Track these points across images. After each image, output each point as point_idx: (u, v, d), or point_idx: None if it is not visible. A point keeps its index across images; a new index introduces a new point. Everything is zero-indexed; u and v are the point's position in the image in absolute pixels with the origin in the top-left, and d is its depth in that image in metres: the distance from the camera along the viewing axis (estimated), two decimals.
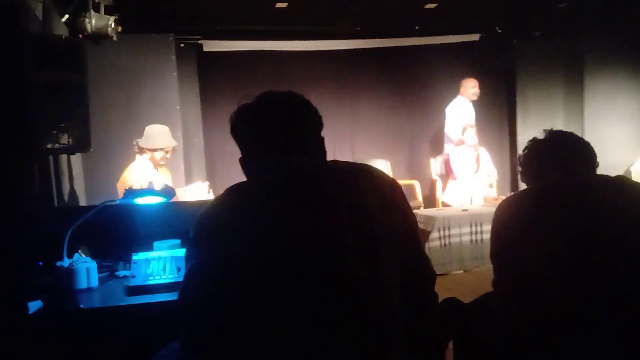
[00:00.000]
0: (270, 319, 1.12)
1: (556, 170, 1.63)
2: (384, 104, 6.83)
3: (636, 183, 1.62)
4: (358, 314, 1.15)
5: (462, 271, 4.50)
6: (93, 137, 3.09)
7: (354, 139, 6.82)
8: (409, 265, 1.26)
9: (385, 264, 1.19)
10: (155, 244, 1.93)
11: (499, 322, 1.59)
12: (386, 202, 1.24)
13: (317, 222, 1.17)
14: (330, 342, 1.11)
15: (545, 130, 1.79)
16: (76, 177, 4.08)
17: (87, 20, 4.25)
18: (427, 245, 4.43)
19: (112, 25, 4.31)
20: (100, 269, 1.83)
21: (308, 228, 1.16)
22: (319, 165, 1.27)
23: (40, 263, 1.93)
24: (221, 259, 1.15)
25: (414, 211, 4.85)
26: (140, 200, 1.83)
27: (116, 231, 1.97)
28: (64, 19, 4.21)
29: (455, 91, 6.96)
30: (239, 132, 1.30)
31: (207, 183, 4.32)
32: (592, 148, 1.70)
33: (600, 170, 4.72)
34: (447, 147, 5.96)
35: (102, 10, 4.32)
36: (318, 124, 1.32)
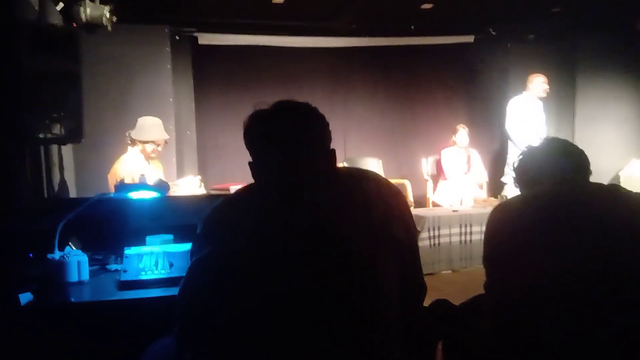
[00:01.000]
0: (269, 319, 1.13)
1: (551, 178, 1.64)
2: (377, 102, 6.86)
3: (630, 192, 1.64)
4: (358, 317, 1.16)
5: (450, 271, 4.53)
6: (85, 127, 3.07)
7: (346, 136, 6.82)
8: (406, 273, 1.27)
9: (386, 270, 1.20)
10: (148, 238, 1.92)
11: (491, 326, 1.61)
12: (391, 210, 1.26)
13: (321, 226, 1.19)
14: (329, 344, 1.13)
15: (541, 137, 1.81)
16: (67, 167, 4.05)
17: (81, 9, 4.22)
18: None
19: (107, 15, 4.28)
20: (92, 262, 1.82)
21: (312, 232, 1.17)
22: (326, 171, 1.29)
23: (31, 255, 1.92)
24: (224, 256, 1.17)
25: None
26: (133, 195, 1.83)
27: (108, 224, 1.96)
28: (58, 8, 4.17)
29: (448, 91, 7.00)
30: (251, 136, 1.31)
31: (199, 177, 4.32)
32: (586, 156, 1.72)
33: (591, 177, 4.74)
34: (510, 146, 5.65)
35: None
36: (328, 136, 1.34)
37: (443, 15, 6.34)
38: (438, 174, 5.83)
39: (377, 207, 1.24)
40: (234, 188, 3.82)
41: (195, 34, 6.09)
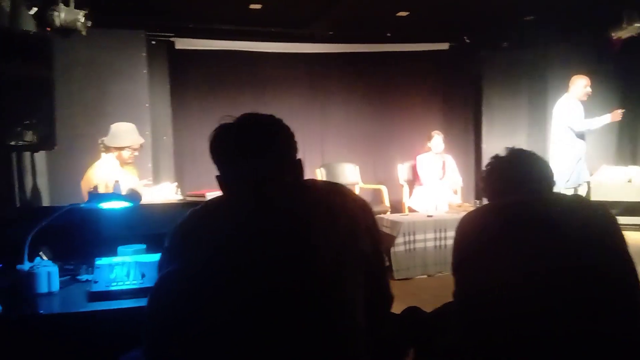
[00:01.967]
0: (236, 332, 1.15)
1: (516, 189, 1.68)
2: (354, 108, 6.91)
3: (591, 202, 1.69)
4: (324, 329, 1.18)
5: (425, 276, 4.57)
6: (58, 134, 3.03)
7: (323, 142, 6.86)
8: (372, 285, 1.29)
9: (352, 281, 1.23)
10: (120, 248, 1.92)
11: (459, 334, 1.64)
12: (356, 223, 1.29)
13: (288, 239, 1.20)
14: (297, 353, 1.15)
15: (506, 147, 1.85)
16: (39, 174, 4.00)
17: (55, 14, 4.17)
18: (392, 249, 4.50)
19: (82, 20, 4.24)
20: (62, 272, 1.81)
21: (279, 245, 1.19)
22: (293, 184, 1.31)
23: (0, 265, 1.90)
24: (192, 270, 1.18)
25: (381, 216, 4.93)
26: (105, 205, 1.82)
27: (79, 234, 1.95)
28: (32, 12, 4.12)
29: (423, 97, 7.08)
30: (217, 149, 1.32)
31: (175, 184, 4.29)
32: (550, 167, 1.76)
33: (559, 182, 4.87)
34: (552, 148, 5.60)
35: (72, 4, 4.25)
36: (294, 147, 1.36)
37: (418, 23, 6.44)
38: (414, 179, 5.90)
39: (343, 220, 1.26)
40: (209, 195, 3.81)
41: (172, 39, 6.07)
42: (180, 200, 4.01)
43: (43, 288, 1.67)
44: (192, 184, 5.93)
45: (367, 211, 1.35)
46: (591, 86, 6.38)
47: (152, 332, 1.20)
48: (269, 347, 1.14)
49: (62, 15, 4.19)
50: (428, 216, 4.78)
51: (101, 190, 3.55)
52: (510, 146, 1.87)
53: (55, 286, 1.70)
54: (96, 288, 1.64)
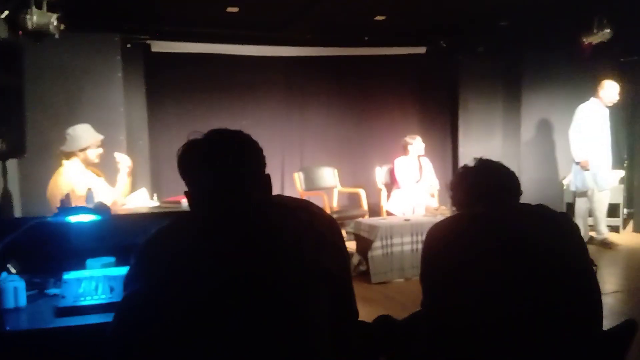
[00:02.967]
0: (202, 353, 1.15)
1: (483, 198, 1.71)
2: (332, 111, 6.92)
3: (554, 212, 1.73)
4: (290, 346, 1.19)
5: (402, 279, 4.62)
6: (30, 140, 2.98)
7: (302, 145, 6.86)
8: (338, 302, 1.31)
9: (316, 299, 1.24)
10: (88, 261, 1.90)
11: (427, 344, 1.67)
12: (323, 240, 1.30)
13: (254, 257, 1.21)
14: None
15: (475, 157, 1.88)
16: (10, 181, 3.93)
17: (27, 17, 4.10)
18: (369, 253, 4.53)
19: (55, 23, 4.18)
20: (30, 286, 1.78)
21: (245, 263, 1.19)
22: (261, 201, 1.31)
23: None
24: (156, 291, 1.18)
25: (358, 220, 4.96)
26: (74, 219, 1.80)
27: (47, 247, 1.92)
28: (3, 16, 4.05)
29: (401, 100, 7.12)
30: (185, 166, 1.32)
31: (144, 189, 4.26)
32: (516, 178, 1.80)
33: (535, 183, 5.02)
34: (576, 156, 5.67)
35: (45, 7, 4.18)
36: (263, 162, 1.36)
37: (396, 27, 6.48)
38: (391, 182, 5.94)
39: (309, 238, 1.27)
40: (185, 201, 3.79)
41: (148, 42, 6.01)
42: (156, 206, 3.99)
43: (9, 303, 1.65)
44: (168, 188, 5.88)
45: (334, 229, 1.36)
46: (562, 88, 6.54)
47: (116, 353, 1.20)
48: None
49: (34, 18, 4.12)
50: (405, 220, 4.82)
51: (72, 196, 3.51)
52: (479, 156, 1.90)
53: (23, 301, 1.68)
54: (64, 303, 1.62)
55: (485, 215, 1.67)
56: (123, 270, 1.81)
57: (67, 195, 3.34)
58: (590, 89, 6.34)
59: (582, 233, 5.68)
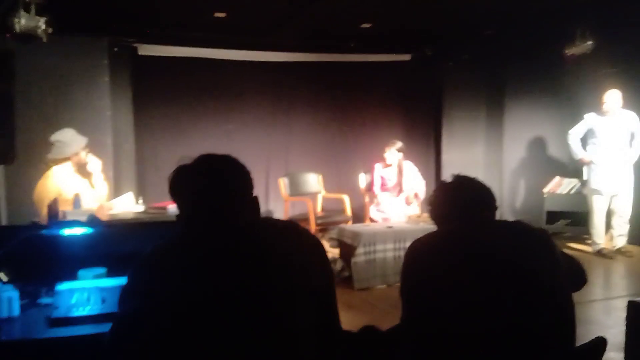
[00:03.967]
0: None
1: (460, 215, 1.79)
2: (318, 117, 6.99)
3: (530, 228, 1.81)
4: (280, 357, 1.26)
5: (385, 286, 4.68)
6: (16, 143, 3.00)
7: (287, 151, 6.92)
8: (322, 318, 1.38)
9: (302, 318, 1.31)
10: (80, 272, 1.94)
11: (410, 355, 1.73)
12: (309, 261, 1.37)
13: (244, 278, 1.27)
14: None
15: (452, 174, 1.95)
16: None
17: (15, 20, 4.10)
18: (352, 260, 4.60)
19: (43, 27, 4.19)
20: (21, 294, 1.81)
21: (236, 283, 1.26)
22: (250, 224, 1.38)
23: None
24: (153, 308, 1.23)
25: (342, 226, 5.02)
26: (66, 231, 1.84)
27: (39, 257, 1.96)
28: None
29: (386, 107, 7.21)
30: (177, 191, 1.39)
31: (131, 193, 4.31)
32: (492, 193, 1.87)
33: (517, 191, 5.14)
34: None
35: (33, 10, 4.19)
36: (250, 185, 1.43)
37: (381, 35, 6.58)
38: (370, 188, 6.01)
39: (296, 258, 1.34)
40: (171, 207, 3.83)
41: (135, 45, 6.02)
42: (142, 211, 4.02)
43: (3, 313, 1.69)
44: (154, 191, 5.90)
45: (319, 249, 1.43)
46: (544, 98, 6.67)
47: None
48: None
49: (22, 21, 4.13)
50: (388, 227, 4.90)
51: (60, 200, 3.55)
52: (456, 173, 1.96)
53: (16, 311, 1.72)
54: (57, 314, 1.67)
55: (461, 233, 1.75)
56: (114, 282, 1.86)
57: (55, 200, 3.40)
58: (572, 100, 6.52)
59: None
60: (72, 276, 1.92)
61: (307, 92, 6.94)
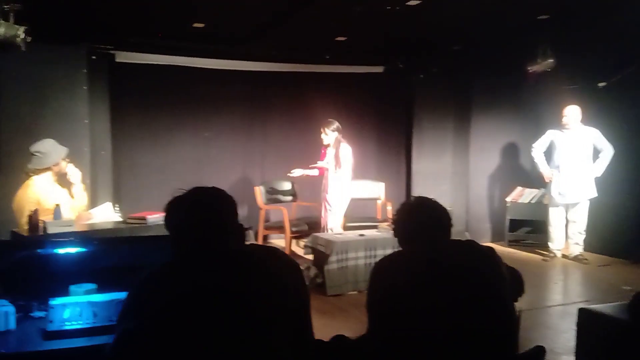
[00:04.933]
0: None
1: (419, 235, 1.99)
2: (293, 126, 7.13)
3: (481, 247, 2.02)
4: None
5: (356, 292, 4.87)
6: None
7: (264, 159, 7.05)
8: (298, 333, 1.55)
9: (280, 334, 1.48)
10: (72, 287, 2.06)
11: None
12: (287, 284, 1.56)
13: (230, 299, 1.45)
14: None
15: (413, 195, 2.17)
16: None
17: None
18: (325, 267, 4.78)
19: (22, 35, 4.23)
20: (15, 308, 1.92)
21: (222, 305, 1.43)
22: (236, 250, 1.57)
23: None
24: (149, 329, 1.39)
25: (316, 234, 5.18)
26: (60, 250, 1.97)
27: (31, 272, 2.07)
28: None
29: (359, 117, 7.39)
30: (171, 221, 1.56)
31: (109, 203, 4.39)
32: (448, 213, 2.08)
33: (482, 199, 5.48)
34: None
35: (12, 18, 4.23)
36: (236, 214, 1.63)
37: (355, 47, 6.79)
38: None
39: (276, 282, 1.53)
40: (150, 218, 3.94)
41: (112, 52, 6.07)
42: (121, 221, 4.11)
43: (1, 327, 1.81)
44: (131, 196, 5.98)
45: (296, 271, 1.61)
46: (508, 111, 6.97)
47: None
48: None
49: (2, 30, 4.17)
50: (360, 235, 5.09)
51: (40, 209, 3.62)
52: (419, 194, 2.17)
53: (12, 324, 1.84)
54: (51, 327, 1.79)
55: (420, 252, 1.95)
56: (105, 297, 2.00)
57: (36, 211, 3.48)
58: (534, 113, 6.83)
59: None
60: (62, 290, 2.04)
61: (283, 102, 7.09)
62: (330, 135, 5.76)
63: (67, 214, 3.83)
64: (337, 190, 5.67)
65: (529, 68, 6.16)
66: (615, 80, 5.92)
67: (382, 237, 5.05)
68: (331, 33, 6.17)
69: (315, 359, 1.77)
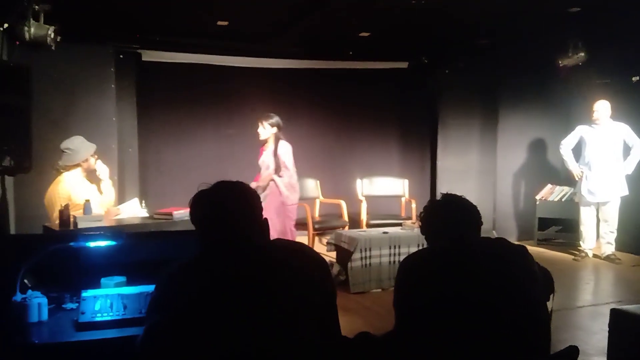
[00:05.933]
0: None
1: (447, 232, 1.96)
2: (316, 123, 7.13)
3: (512, 245, 1.98)
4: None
5: (380, 290, 4.84)
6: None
7: None
8: (324, 327, 1.55)
9: (306, 328, 1.47)
10: (103, 280, 2.10)
11: None
12: (313, 279, 1.54)
13: (256, 292, 1.44)
14: None
15: (441, 193, 2.13)
16: (7, 189, 4.07)
17: (25, 28, 4.24)
18: (349, 264, 4.76)
19: (52, 35, 4.32)
20: (48, 300, 1.96)
21: (248, 297, 1.43)
22: (262, 245, 1.56)
23: None
24: (177, 321, 1.40)
25: (339, 231, 5.16)
26: (92, 244, 2.00)
27: (63, 265, 2.11)
28: (2, 28, 4.18)
29: (383, 114, 7.35)
30: (197, 216, 1.57)
31: (136, 199, 4.46)
32: (478, 211, 2.04)
33: (510, 198, 5.39)
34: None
35: (42, 19, 4.32)
36: (260, 209, 1.62)
37: (379, 43, 6.74)
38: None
39: (302, 277, 1.52)
40: (177, 213, 3.99)
41: (139, 51, 6.16)
42: (147, 217, 4.18)
43: (34, 318, 1.85)
44: (157, 193, 6.06)
45: (323, 267, 1.60)
46: (536, 107, 6.84)
47: None
48: None
49: (32, 30, 4.27)
50: (383, 233, 5.06)
51: (70, 205, 3.70)
52: (445, 192, 2.13)
53: (45, 316, 1.88)
54: (83, 319, 1.82)
55: (449, 250, 1.92)
56: (135, 290, 2.02)
57: (67, 206, 3.55)
58: (564, 109, 6.70)
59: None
60: (93, 282, 2.08)
61: (306, 99, 7.08)
62: (267, 129, 5.14)
63: (96, 209, 3.90)
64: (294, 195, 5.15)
65: (559, 62, 6.05)
66: None
67: (406, 234, 5.01)
68: (355, 29, 6.13)
69: (340, 355, 1.77)
